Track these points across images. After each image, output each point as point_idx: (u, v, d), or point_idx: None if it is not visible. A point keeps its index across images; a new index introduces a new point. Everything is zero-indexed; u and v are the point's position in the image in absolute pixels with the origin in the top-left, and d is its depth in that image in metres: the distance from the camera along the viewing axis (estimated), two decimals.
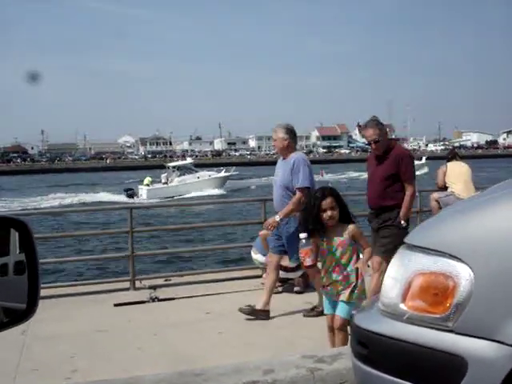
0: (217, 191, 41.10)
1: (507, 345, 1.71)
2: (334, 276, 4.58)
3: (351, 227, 4.59)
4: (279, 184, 6.10)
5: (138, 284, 7.89)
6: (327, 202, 4.46)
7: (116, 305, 6.76)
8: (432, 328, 1.86)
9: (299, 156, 6.08)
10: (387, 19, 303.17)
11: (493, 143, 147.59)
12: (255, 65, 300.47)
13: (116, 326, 5.95)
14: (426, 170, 53.61)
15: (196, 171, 45.68)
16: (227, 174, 46.51)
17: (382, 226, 5.81)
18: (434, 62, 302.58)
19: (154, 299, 6.99)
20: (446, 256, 1.86)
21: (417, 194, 7.71)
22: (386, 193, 5.81)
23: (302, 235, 4.43)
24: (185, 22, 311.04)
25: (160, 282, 8.01)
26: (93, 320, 6.18)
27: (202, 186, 42.04)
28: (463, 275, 1.80)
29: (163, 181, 42.49)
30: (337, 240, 4.55)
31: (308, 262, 4.50)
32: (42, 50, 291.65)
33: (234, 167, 50.57)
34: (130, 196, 40.09)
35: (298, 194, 5.87)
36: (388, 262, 4.56)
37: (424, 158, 64.04)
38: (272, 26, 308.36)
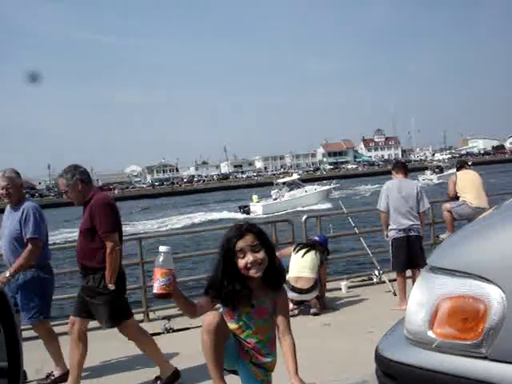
0: (324, 204, 41.80)
1: None
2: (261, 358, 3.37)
3: (277, 293, 3.34)
4: (8, 236, 5.39)
5: (151, 315, 7.82)
6: (246, 241, 3.19)
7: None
8: (464, 356, 1.72)
9: (30, 204, 5.43)
10: (383, 32, 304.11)
11: (500, 148, 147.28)
12: (256, 87, 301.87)
13: (131, 360, 5.84)
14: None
15: (303, 186, 48.70)
16: (331, 186, 49.37)
17: (89, 290, 4.97)
18: (434, 72, 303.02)
19: (168, 330, 6.91)
20: (473, 277, 1.72)
21: (428, 205, 7.61)
22: (85, 251, 5.02)
23: (163, 248, 3.09)
24: (180, 48, 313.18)
25: (174, 311, 7.91)
26: (107, 355, 6.09)
27: (310, 198, 44.88)
28: (494, 297, 1.67)
29: (274, 197, 45.85)
30: (255, 305, 3.28)
31: (156, 287, 2.99)
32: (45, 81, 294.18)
33: (335, 180, 54.41)
34: (246, 213, 43.16)
35: (30, 245, 5.27)
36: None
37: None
38: (270, 47, 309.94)
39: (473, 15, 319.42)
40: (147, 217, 49.65)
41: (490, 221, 1.97)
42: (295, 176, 58.05)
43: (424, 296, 1.85)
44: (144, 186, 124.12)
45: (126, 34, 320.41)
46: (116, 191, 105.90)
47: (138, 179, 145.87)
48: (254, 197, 45.94)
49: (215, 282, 3.24)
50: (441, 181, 53.70)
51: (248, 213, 43.08)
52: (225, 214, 43.84)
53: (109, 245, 4.88)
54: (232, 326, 3.32)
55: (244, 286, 3.22)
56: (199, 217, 43.98)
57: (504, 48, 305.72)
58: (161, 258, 3.05)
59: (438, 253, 2.01)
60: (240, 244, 3.20)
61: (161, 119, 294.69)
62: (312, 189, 48.15)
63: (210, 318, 3.19)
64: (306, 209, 38.16)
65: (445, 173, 59.85)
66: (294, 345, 3.31)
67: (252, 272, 3.19)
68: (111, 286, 4.87)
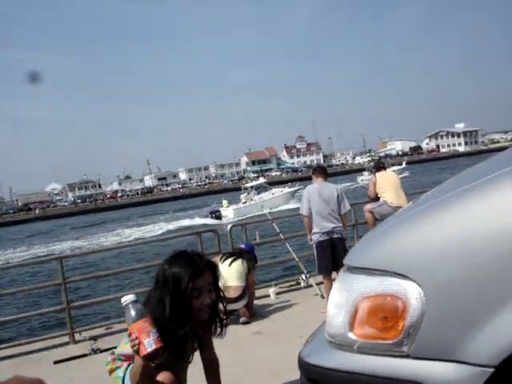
0: (291, 204, 43.51)
1: (470, 364, 1.54)
2: None
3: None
4: None
5: (77, 336, 7.57)
6: (206, 280, 2.80)
7: (56, 362, 6.41)
8: (386, 356, 1.68)
9: None
10: (298, 43, 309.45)
11: (417, 149, 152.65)
12: (177, 97, 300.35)
13: None
14: (406, 173, 57.84)
15: (270, 189, 50.87)
16: (296, 188, 50.96)
17: None
18: (350, 77, 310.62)
19: (95, 351, 6.67)
20: (390, 275, 1.68)
21: (349, 207, 7.71)
22: None
23: (126, 298, 2.60)
24: (97, 64, 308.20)
25: (101, 331, 7.70)
26: None
27: (278, 200, 46.76)
28: (412, 294, 1.63)
29: (243, 200, 47.08)
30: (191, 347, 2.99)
31: (149, 346, 2.49)
32: None
33: (298, 182, 56.91)
34: (218, 218, 43.66)
35: None
36: None
37: (404, 163, 70.05)
38: (193, 59, 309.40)
39: (388, 19, 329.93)
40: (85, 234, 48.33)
41: (404, 216, 1.94)
42: (261, 179, 61.38)
43: (343, 297, 1.80)
44: (66, 204, 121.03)
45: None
46: (37, 211, 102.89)
47: (60, 197, 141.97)
48: (224, 202, 46.94)
49: (161, 324, 2.68)
50: None
51: (220, 218, 43.74)
52: (197, 221, 43.86)
53: None
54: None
55: (194, 333, 2.86)
56: (164, 227, 43.55)
57: (416, 52, 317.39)
58: (132, 311, 2.55)
59: (355, 251, 1.97)
60: (199, 283, 2.78)
61: (79, 135, 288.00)
62: (278, 191, 50.01)
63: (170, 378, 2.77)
64: (274, 210, 38.41)
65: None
66: (218, 365, 3.16)
67: (201, 314, 2.84)
68: None
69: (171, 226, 43.28)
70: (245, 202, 46.77)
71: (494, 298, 1.53)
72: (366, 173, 68.27)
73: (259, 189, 50.29)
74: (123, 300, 2.60)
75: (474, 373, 1.52)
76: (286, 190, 50.64)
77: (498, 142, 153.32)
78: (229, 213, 43.96)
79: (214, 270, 2.90)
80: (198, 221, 44.01)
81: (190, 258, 2.86)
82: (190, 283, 2.74)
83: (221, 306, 6.93)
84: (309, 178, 7.78)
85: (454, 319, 1.58)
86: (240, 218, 36.74)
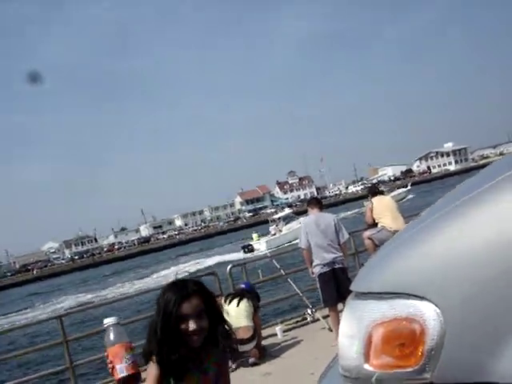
0: None
1: None
2: None
3: (219, 354, 2.90)
4: None
5: None
6: (192, 305, 2.75)
7: None
8: None
9: None
10: (280, 78, 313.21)
11: (409, 172, 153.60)
12: (164, 144, 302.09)
13: None
14: (413, 195, 59.11)
15: (298, 218, 50.02)
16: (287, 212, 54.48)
17: None
18: (336, 108, 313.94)
19: None
20: (403, 297, 1.56)
21: (347, 236, 7.61)
22: None
23: (110, 319, 2.60)
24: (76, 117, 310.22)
25: None
26: None
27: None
28: (429, 315, 1.51)
29: (272, 232, 47.99)
30: (199, 376, 2.84)
31: (120, 372, 2.46)
32: None
33: (288, 207, 62.76)
34: (250, 251, 43.91)
35: None
36: None
37: (409, 185, 72.72)
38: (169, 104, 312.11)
39: (370, 47, 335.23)
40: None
41: (406, 235, 1.83)
42: (287, 210, 62.51)
43: (354, 326, 1.67)
44: (63, 261, 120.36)
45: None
46: (35, 271, 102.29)
47: (57, 255, 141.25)
48: (254, 235, 47.77)
49: (155, 348, 2.73)
50: None
51: (252, 251, 44.00)
52: (230, 256, 42.85)
53: None
54: None
55: (190, 350, 2.75)
56: (196, 265, 43.96)
57: (394, 81, 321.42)
58: (111, 334, 2.50)
59: (361, 277, 1.85)
60: (184, 307, 2.70)
61: (70, 191, 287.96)
62: (303, 219, 50.41)
63: None
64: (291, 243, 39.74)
65: (390, 194, 63.12)
66: None
67: (191, 340, 2.73)
68: None
69: (203, 263, 43.61)
70: (274, 234, 47.35)
71: None
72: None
73: (287, 219, 51.20)
74: (105, 321, 2.56)
75: None
76: None
77: (488, 157, 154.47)
78: (261, 245, 43.94)
79: (205, 295, 2.81)
80: (229, 257, 42.79)
81: (181, 283, 2.84)
82: (175, 308, 2.69)
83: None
84: (303, 212, 7.71)
85: (477, 338, 1.46)
86: (273, 249, 36.70)
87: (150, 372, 2.77)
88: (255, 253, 42.17)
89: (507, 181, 1.60)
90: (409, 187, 72.49)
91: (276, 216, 56.09)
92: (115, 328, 2.55)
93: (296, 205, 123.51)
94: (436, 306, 1.49)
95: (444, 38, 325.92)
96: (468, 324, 1.47)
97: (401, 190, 69.94)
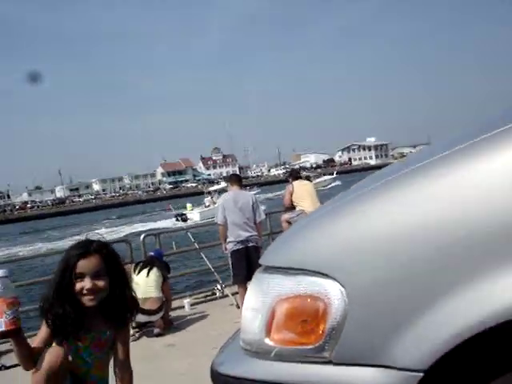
0: None
1: (396, 368, 1.43)
2: None
3: (119, 319, 2.86)
4: None
5: None
6: (90, 263, 2.69)
7: None
8: (306, 362, 1.54)
9: None
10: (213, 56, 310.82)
11: (330, 161, 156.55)
12: (90, 108, 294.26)
13: None
14: (338, 182, 65.51)
15: None
16: (254, 191, 52.88)
17: None
18: (265, 90, 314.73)
19: (0, 367, 6.27)
20: (309, 274, 1.54)
21: (264, 216, 7.65)
22: None
23: None
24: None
25: (6, 347, 7.26)
26: None
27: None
28: (333, 293, 1.50)
29: (207, 204, 47.94)
30: (93, 336, 2.79)
31: (4, 322, 2.44)
32: None
33: (256, 186, 64.29)
34: (184, 220, 41.55)
35: None
36: None
37: (335, 172, 75.98)
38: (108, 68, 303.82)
39: (300, 32, 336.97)
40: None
41: (319, 212, 1.83)
42: (223, 184, 62.97)
43: (259, 300, 1.64)
44: None
45: None
46: None
47: None
48: (189, 205, 47.73)
49: (47, 303, 2.73)
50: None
51: (185, 220, 43.53)
52: (162, 223, 42.71)
53: None
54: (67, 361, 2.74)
55: (77, 311, 2.70)
56: (127, 230, 43.19)
57: (329, 64, 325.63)
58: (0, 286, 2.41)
59: (271, 250, 1.83)
60: (81, 265, 2.67)
61: None
62: None
63: (53, 359, 2.65)
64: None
65: (312, 182, 64.25)
66: (132, 381, 2.92)
67: (85, 299, 2.69)
68: None
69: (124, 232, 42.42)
70: (208, 206, 47.44)
71: (419, 298, 1.43)
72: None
73: (222, 192, 51.76)
74: None
75: (401, 377, 1.40)
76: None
77: (407, 155, 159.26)
78: (194, 216, 43.71)
79: (105, 255, 2.77)
80: (161, 224, 42.84)
81: (84, 242, 2.82)
82: (71, 264, 2.69)
83: (138, 317, 6.69)
84: (225, 190, 7.69)
85: (378, 320, 1.46)
86: (206, 220, 36.85)
87: (41, 330, 2.77)
88: (188, 222, 42.56)
89: (412, 172, 1.61)
90: (334, 175, 76.02)
91: (212, 188, 57.01)
92: (2, 281, 2.46)
93: (218, 181, 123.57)
94: (342, 285, 1.49)
95: (381, 28, 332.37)
96: (371, 306, 1.47)
97: (327, 177, 73.58)
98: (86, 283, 2.67)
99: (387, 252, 1.48)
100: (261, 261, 1.77)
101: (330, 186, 64.53)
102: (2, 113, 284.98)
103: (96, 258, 2.72)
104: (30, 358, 2.70)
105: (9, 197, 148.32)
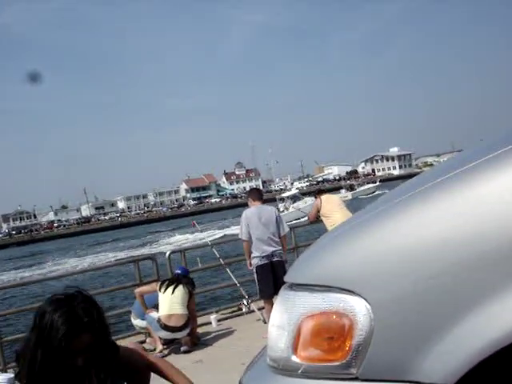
0: None
1: None
2: None
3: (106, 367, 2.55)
4: None
5: (11, 372, 7.22)
6: (82, 342, 2.39)
7: None
8: (333, 379, 1.54)
9: None
10: (233, 69, 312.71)
11: (353, 173, 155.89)
12: (112, 126, 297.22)
13: None
14: (381, 190, 65.62)
15: (303, 198, 54.83)
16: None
17: None
18: (285, 104, 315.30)
19: None
20: (335, 290, 1.55)
21: (288, 229, 7.64)
22: None
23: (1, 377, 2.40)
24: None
25: None
26: None
27: (309, 208, 48.16)
28: (359, 310, 1.50)
29: (281, 209, 48.45)
30: None
31: None
32: None
33: (344, 190, 68.73)
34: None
35: None
36: None
37: (378, 180, 79.40)
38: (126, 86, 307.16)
39: (321, 45, 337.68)
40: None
41: (344, 227, 1.83)
42: (294, 190, 65.64)
43: (284, 317, 1.65)
44: (0, 235, 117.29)
45: None
46: None
47: None
48: None
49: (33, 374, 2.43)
50: (355, 196, 67.85)
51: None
52: (229, 231, 43.52)
53: None
54: None
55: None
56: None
57: (351, 77, 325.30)
58: None
59: (295, 267, 1.84)
60: (74, 345, 2.38)
61: (10, 164, 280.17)
62: (308, 200, 54.29)
63: None
64: (300, 220, 40.30)
65: (357, 189, 75.49)
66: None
67: (76, 363, 2.44)
68: None
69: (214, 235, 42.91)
70: (283, 211, 48.07)
71: (446, 312, 1.43)
72: (343, 190, 75.66)
73: (294, 198, 54.50)
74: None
75: None
76: (314, 199, 55.04)
77: (431, 164, 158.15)
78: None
79: (94, 330, 2.45)
80: (228, 231, 43.49)
81: (65, 312, 2.42)
82: (62, 343, 2.36)
83: (164, 334, 6.72)
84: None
85: (404, 336, 1.46)
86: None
87: None
88: None
89: (437, 186, 1.61)
90: (378, 183, 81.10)
91: (284, 195, 59.57)
92: None
93: (241, 196, 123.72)
94: (367, 302, 1.49)
95: (402, 38, 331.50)
96: (397, 321, 1.47)
97: (370, 185, 79.04)
98: (79, 361, 2.42)
99: (412, 268, 1.49)
100: (286, 278, 1.78)
101: (373, 193, 69.09)
102: (24, 132, 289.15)
103: (88, 336, 2.42)
104: None
105: (35, 216, 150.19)
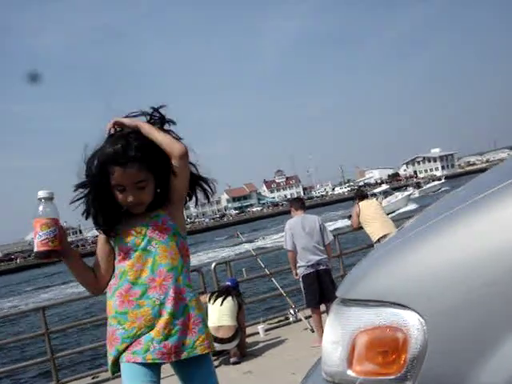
0: (409, 206, 50.70)
1: None
2: (151, 295, 2.45)
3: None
4: None
5: None
6: (129, 175, 2.38)
7: None
8: None
9: None
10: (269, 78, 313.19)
11: (395, 176, 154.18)
12: None
13: None
14: (447, 187, 69.67)
15: (394, 193, 59.77)
16: (409, 193, 61.43)
17: None
18: (324, 108, 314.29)
19: None
20: (388, 305, 1.58)
21: (332, 237, 7.61)
22: None
23: (43, 193, 2.41)
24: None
25: (88, 380, 7.51)
26: None
27: (401, 202, 54.25)
28: (412, 324, 1.52)
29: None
30: (147, 224, 2.50)
31: (36, 243, 2.35)
32: None
33: (411, 188, 72.65)
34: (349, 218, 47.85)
35: None
36: None
37: (443, 178, 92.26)
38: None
39: (360, 48, 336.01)
40: None
41: (396, 242, 1.85)
42: (385, 186, 73.07)
43: (338, 332, 1.68)
44: None
45: None
46: (18, 260, 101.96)
47: None
48: None
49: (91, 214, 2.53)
50: (422, 194, 71.98)
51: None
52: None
53: None
54: (126, 263, 2.49)
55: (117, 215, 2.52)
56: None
57: (378, 83, 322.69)
58: (40, 207, 2.36)
59: (347, 283, 1.86)
60: (118, 177, 2.38)
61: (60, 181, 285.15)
62: (399, 195, 58.17)
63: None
64: (396, 212, 42.87)
65: (424, 187, 79.23)
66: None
67: (132, 209, 2.49)
68: None
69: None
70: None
71: (502, 321, 1.44)
72: (410, 188, 75.90)
73: (386, 193, 58.51)
74: (39, 193, 2.41)
75: None
76: (403, 194, 59.67)
77: (474, 164, 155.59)
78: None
79: (143, 162, 2.40)
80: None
81: (118, 141, 2.42)
82: (109, 172, 2.40)
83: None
84: (289, 212, 7.69)
85: (460, 348, 1.48)
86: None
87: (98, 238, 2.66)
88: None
89: (500, 192, 1.61)
90: (443, 180, 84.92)
91: (376, 190, 62.68)
92: (45, 202, 2.40)
93: (282, 204, 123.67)
94: (420, 316, 1.51)
95: (439, 37, 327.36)
96: (452, 334, 1.49)
97: (436, 183, 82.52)
98: (129, 196, 2.42)
99: (465, 280, 1.50)
100: (338, 293, 1.81)
101: (439, 190, 71.54)
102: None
103: (135, 169, 2.39)
104: (90, 280, 2.58)
105: (81, 232, 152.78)
